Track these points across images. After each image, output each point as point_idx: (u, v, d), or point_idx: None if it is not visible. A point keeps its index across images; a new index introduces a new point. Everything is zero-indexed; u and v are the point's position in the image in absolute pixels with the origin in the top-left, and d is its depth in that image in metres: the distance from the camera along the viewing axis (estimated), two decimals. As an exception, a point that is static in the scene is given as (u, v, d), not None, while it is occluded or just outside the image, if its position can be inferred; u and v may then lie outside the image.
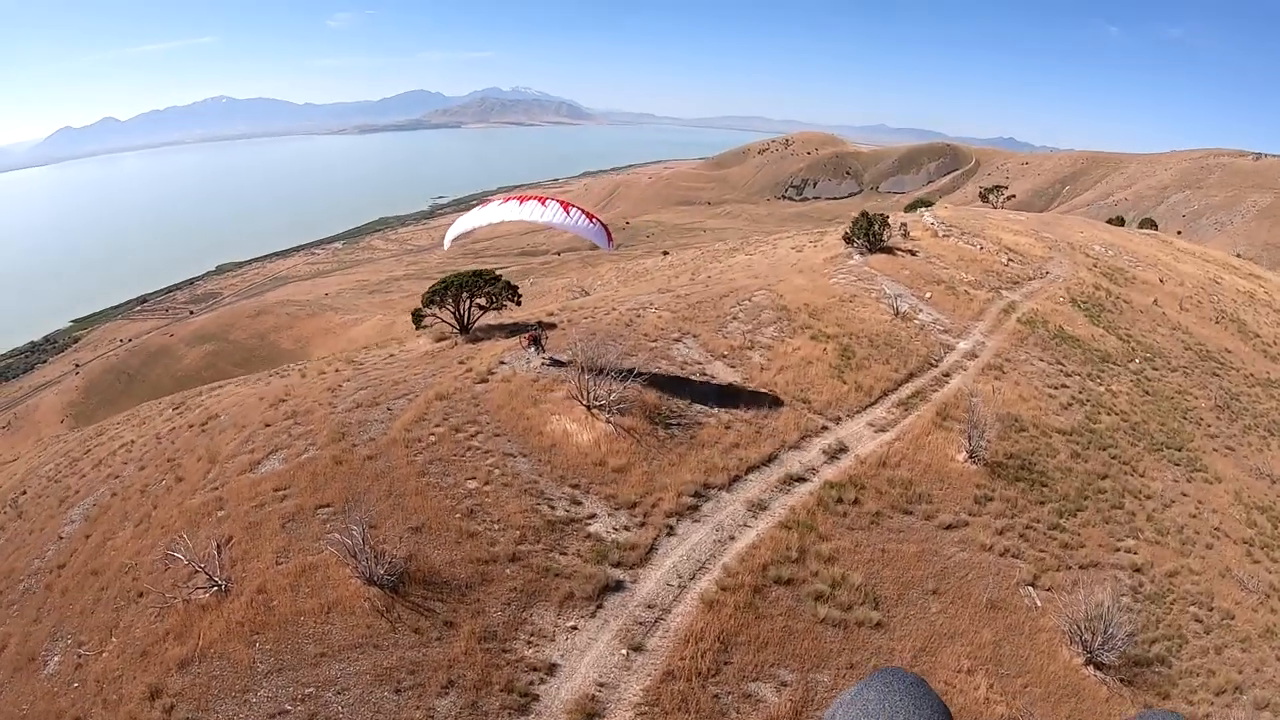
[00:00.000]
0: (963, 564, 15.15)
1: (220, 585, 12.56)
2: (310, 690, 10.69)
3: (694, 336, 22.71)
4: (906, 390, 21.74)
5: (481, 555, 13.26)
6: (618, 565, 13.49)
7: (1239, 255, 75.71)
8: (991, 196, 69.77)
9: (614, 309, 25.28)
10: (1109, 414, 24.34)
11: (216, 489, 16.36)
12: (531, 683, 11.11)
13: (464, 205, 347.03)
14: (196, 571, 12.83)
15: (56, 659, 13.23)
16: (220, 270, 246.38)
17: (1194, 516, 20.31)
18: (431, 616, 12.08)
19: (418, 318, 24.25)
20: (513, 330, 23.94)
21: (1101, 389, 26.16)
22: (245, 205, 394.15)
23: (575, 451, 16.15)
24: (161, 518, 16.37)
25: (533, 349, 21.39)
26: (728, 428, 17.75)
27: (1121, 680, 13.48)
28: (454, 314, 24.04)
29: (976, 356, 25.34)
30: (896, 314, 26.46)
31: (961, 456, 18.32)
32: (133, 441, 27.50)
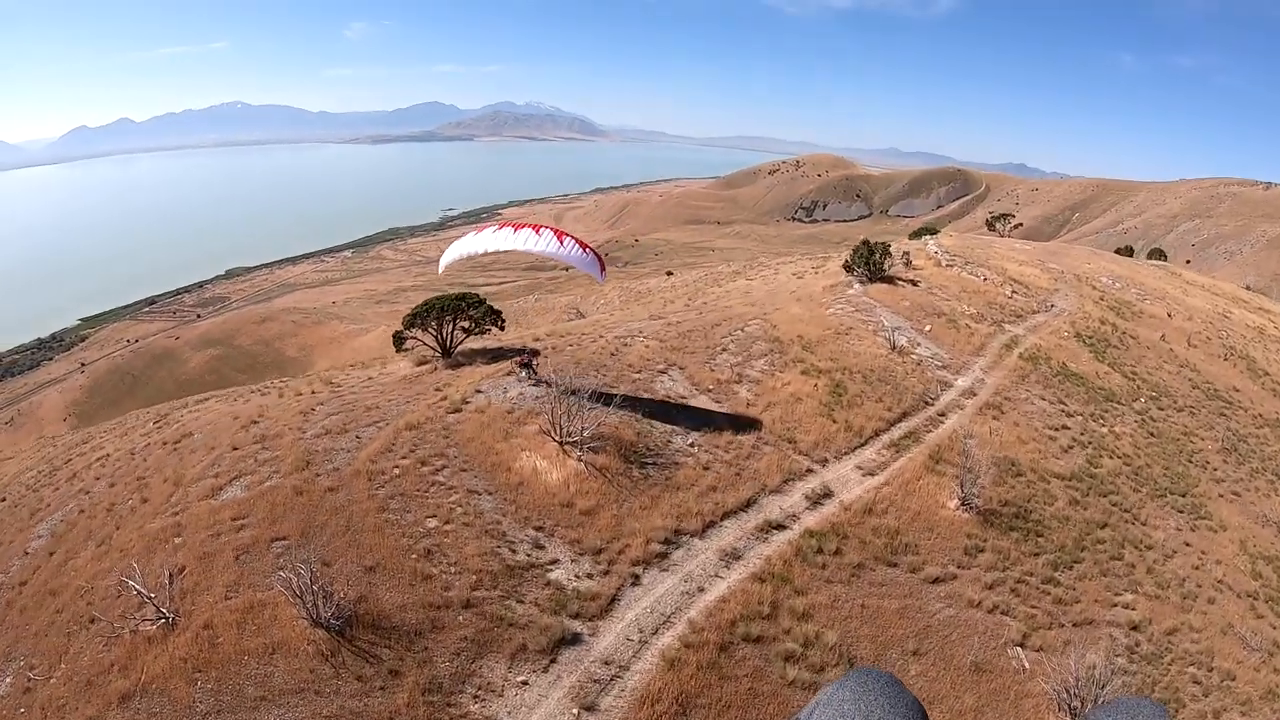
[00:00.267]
0: (948, 622, 14.28)
1: (168, 618, 12.09)
2: (248, 735, 10.06)
3: (680, 369, 21.98)
4: (899, 430, 20.87)
5: (435, 600, 12.64)
6: (576, 616, 12.75)
7: (1248, 287, 74.68)
8: (998, 224, 68.96)
9: (601, 336, 24.60)
10: (1111, 457, 23.43)
11: (177, 514, 15.84)
12: (474, 742, 10.36)
13: (474, 218, 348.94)
14: (145, 602, 12.37)
15: (9, 680, 12.74)
16: (230, 274, 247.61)
17: (1197, 568, 19.37)
18: (377, 664, 11.49)
19: (398, 340, 23.62)
20: (495, 355, 23.31)
21: (1104, 430, 25.26)
22: (257, 211, 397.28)
23: (543, 491, 15.42)
24: (122, 540, 15.90)
25: (524, 372, 21.06)
26: (706, 469, 16.96)
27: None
28: (435, 337, 23.40)
29: (975, 394, 24.48)
30: (893, 348, 25.65)
31: (953, 504, 17.47)
32: (108, 455, 27.13)
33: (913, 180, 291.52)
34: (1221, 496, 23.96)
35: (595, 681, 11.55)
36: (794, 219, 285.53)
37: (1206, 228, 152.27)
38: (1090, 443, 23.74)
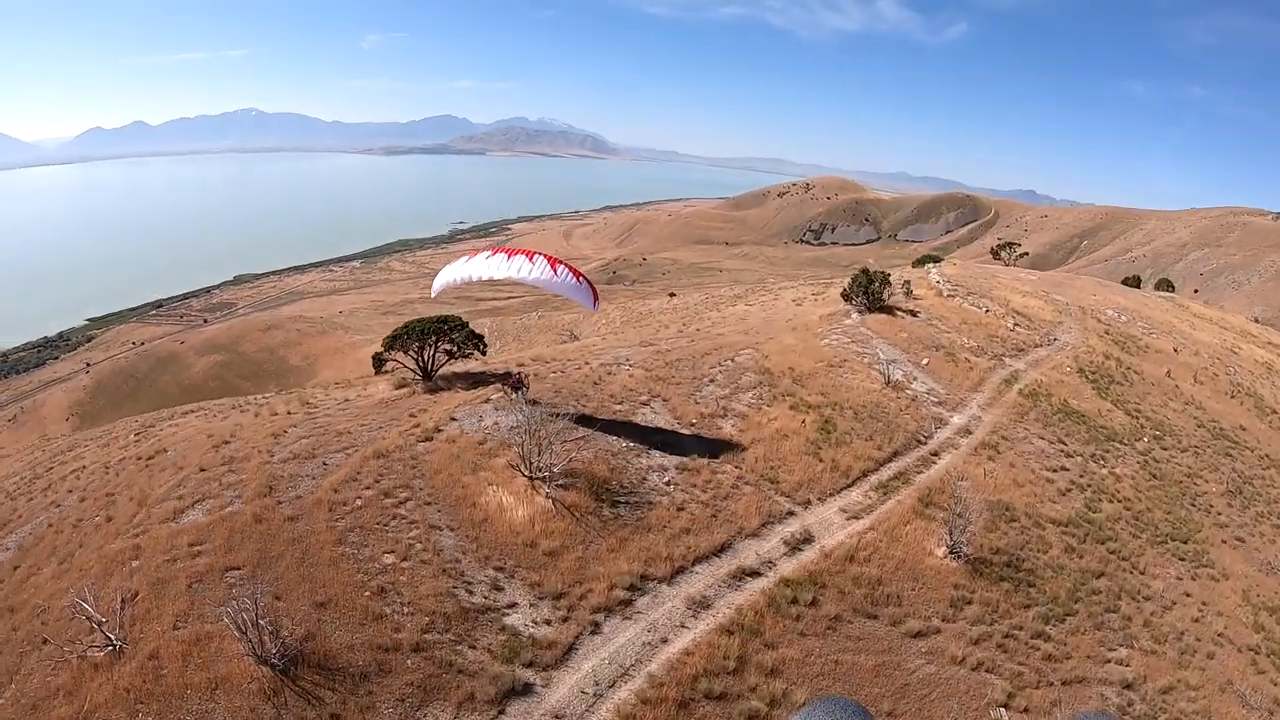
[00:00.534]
0: (927, 680, 13.46)
1: (115, 645, 11.78)
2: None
3: (664, 400, 21.32)
4: (889, 471, 20.08)
5: (384, 641, 12.11)
6: (530, 665, 12.09)
7: (1256, 319, 73.62)
8: (1004, 253, 68.20)
9: (587, 363, 23.98)
10: (1111, 501, 22.59)
11: (137, 535, 15.47)
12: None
13: (483, 232, 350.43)
14: (95, 629, 12.00)
15: (-42, 696, 12.29)
16: (238, 280, 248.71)
17: (1196, 621, 18.48)
18: (319, 707, 10.98)
19: (378, 362, 23.05)
20: (476, 380, 22.71)
21: (1105, 472, 24.42)
22: (267, 218, 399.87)
23: (507, 529, 14.76)
24: (82, 560, 15.53)
25: (515, 394, 20.80)
26: (681, 509, 16.24)
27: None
28: (416, 360, 22.83)
29: (971, 433, 23.69)
30: (887, 383, 24.91)
31: (941, 551, 16.66)
32: (84, 467, 26.73)
33: (922, 205, 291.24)
34: (1225, 542, 23.07)
35: (544, 738, 10.85)
36: (802, 241, 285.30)
37: (1215, 257, 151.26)
38: (1090, 485, 22.92)
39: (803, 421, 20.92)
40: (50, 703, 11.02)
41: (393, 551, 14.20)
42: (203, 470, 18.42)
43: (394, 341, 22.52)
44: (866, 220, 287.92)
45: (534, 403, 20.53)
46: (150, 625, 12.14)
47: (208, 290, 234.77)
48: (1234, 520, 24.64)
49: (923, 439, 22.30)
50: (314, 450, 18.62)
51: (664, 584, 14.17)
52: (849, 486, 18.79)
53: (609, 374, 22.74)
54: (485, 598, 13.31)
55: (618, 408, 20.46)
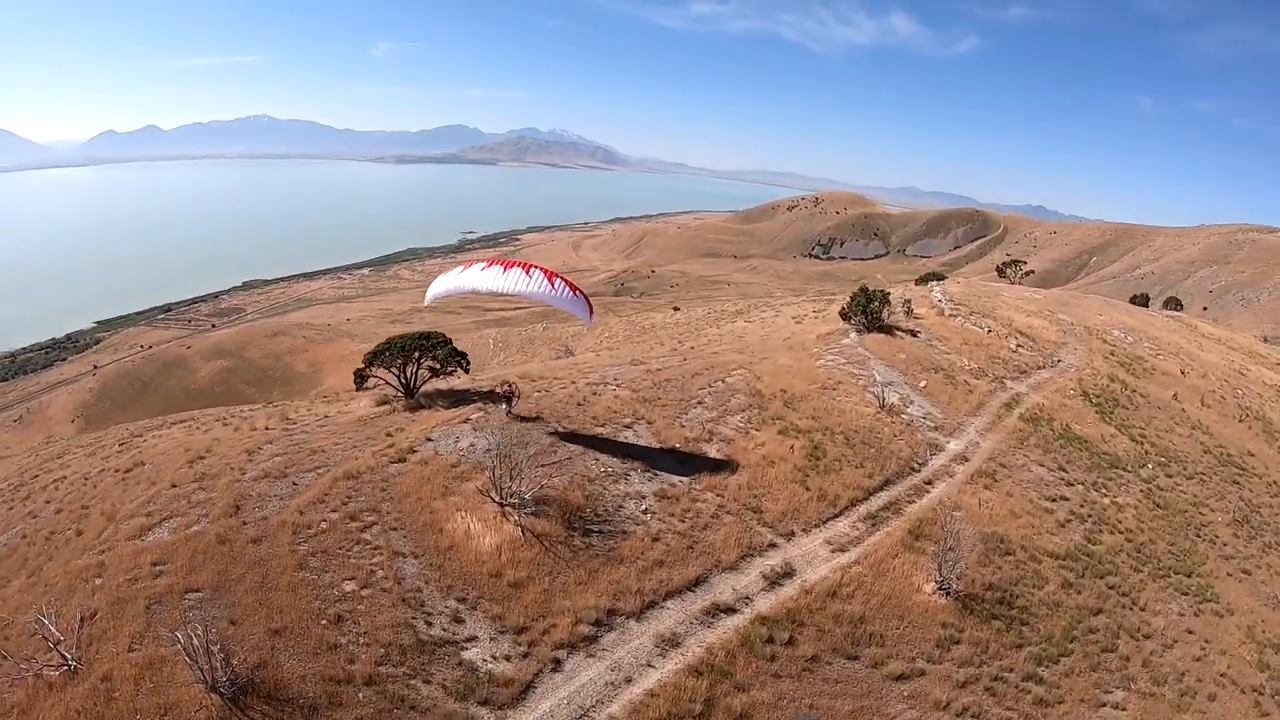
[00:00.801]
0: (910, 727, 12.78)
1: (70, 665, 11.64)
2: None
3: (648, 423, 20.68)
4: (879, 500, 19.32)
5: (336, 673, 11.71)
6: (485, 703, 11.56)
7: (1265, 338, 72.43)
8: (1009, 271, 67.34)
9: (573, 382, 23.40)
10: (1112, 532, 21.78)
11: (103, 552, 15.29)
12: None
13: (492, 242, 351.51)
14: (52, 647, 11.75)
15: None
16: (247, 286, 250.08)
17: (1198, 660, 17.67)
18: None
19: (360, 378, 22.55)
20: (459, 399, 22.18)
21: (1107, 501, 23.62)
22: (278, 223, 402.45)
23: (472, 557, 14.20)
24: (49, 574, 15.38)
25: (504, 406, 20.52)
26: (656, 540, 15.58)
27: None
28: (398, 377, 22.35)
29: (967, 460, 22.92)
30: (882, 406, 24.20)
31: (930, 587, 15.95)
32: (65, 477, 26.51)
33: (931, 220, 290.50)
34: (1230, 575, 22.23)
35: (493, 785, 10.26)
36: (811, 255, 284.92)
37: (1224, 274, 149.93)
38: (1090, 516, 22.13)
39: (791, 447, 20.22)
40: (3, 720, 10.88)
41: (354, 578, 13.79)
42: (174, 486, 18.15)
43: (375, 358, 22.02)
44: (875, 235, 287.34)
45: (521, 418, 20.34)
46: (106, 646, 11.94)
47: (217, 295, 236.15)
48: (1240, 551, 23.80)
49: (916, 466, 21.56)
50: (285, 469, 18.20)
51: (632, 620, 13.55)
52: (836, 517, 18.06)
53: (594, 394, 22.15)
54: (444, 630, 12.83)
55: (599, 430, 19.85)
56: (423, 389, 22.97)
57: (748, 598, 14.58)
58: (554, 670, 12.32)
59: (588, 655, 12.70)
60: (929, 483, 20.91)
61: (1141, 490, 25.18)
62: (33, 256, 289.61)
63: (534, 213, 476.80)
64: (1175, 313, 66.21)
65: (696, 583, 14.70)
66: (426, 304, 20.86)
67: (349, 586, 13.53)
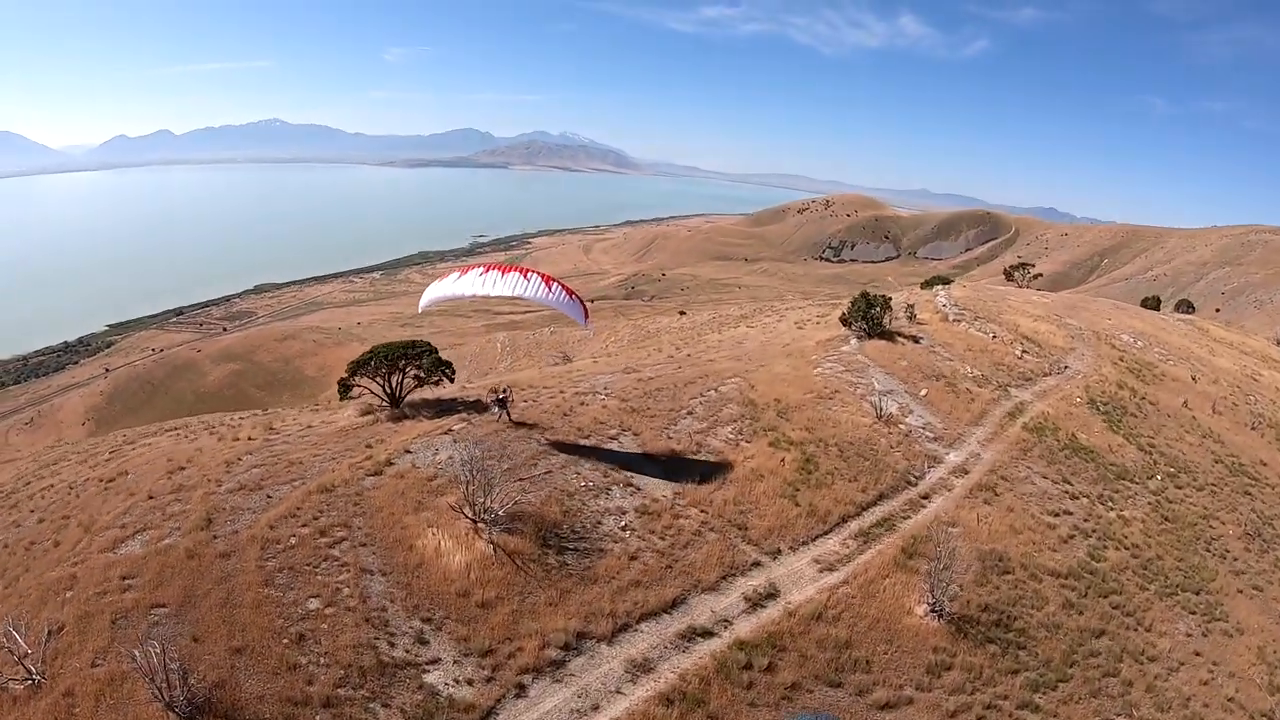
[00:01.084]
0: (896, 760, 12.14)
1: (35, 679, 11.60)
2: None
3: (634, 434, 20.10)
4: (872, 516, 18.60)
5: (295, 694, 11.47)
6: (444, 730, 11.07)
7: (1278, 342, 70.87)
8: (1017, 274, 66.21)
9: (562, 391, 22.85)
10: (1118, 548, 20.99)
11: (76, 565, 15.19)
12: None
13: (504, 245, 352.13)
14: (18, 662, 11.68)
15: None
16: (259, 290, 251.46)
17: (1205, 684, 16.92)
18: None
19: (344, 388, 22.15)
20: (445, 408, 21.72)
21: (1112, 515, 22.81)
22: (290, 227, 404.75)
23: (441, 576, 13.72)
24: (24, 585, 15.30)
25: (498, 410, 20.25)
26: (634, 558, 15.00)
27: None
28: (383, 387, 21.93)
29: (967, 473, 22.16)
30: (879, 416, 23.49)
31: (921, 609, 15.28)
32: (52, 485, 26.38)
33: (942, 222, 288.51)
34: (1241, 592, 21.39)
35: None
36: (822, 258, 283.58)
37: (1236, 276, 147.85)
38: (1095, 531, 21.35)
39: (782, 460, 19.55)
40: (-37, 735, 10.79)
41: (318, 596, 13.48)
42: (151, 498, 17.95)
43: (360, 367, 21.62)
44: (886, 237, 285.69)
45: (518, 423, 20.04)
46: (70, 660, 11.83)
47: (228, 299, 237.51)
48: (1251, 566, 22.94)
49: (913, 479, 20.84)
50: (262, 481, 17.88)
51: (603, 643, 13.03)
52: (826, 534, 17.39)
53: (582, 404, 21.59)
54: (407, 651, 12.44)
55: (584, 442, 19.29)
56: (409, 398, 22.57)
57: (727, 620, 13.99)
58: (518, 696, 11.87)
59: (554, 680, 12.23)
60: (926, 497, 20.20)
61: (1149, 503, 24.36)
62: (45, 260, 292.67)
63: (545, 216, 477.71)
64: (1186, 316, 64.95)
65: (674, 604, 14.14)
66: (420, 310, 20.58)
67: (313, 605, 13.23)
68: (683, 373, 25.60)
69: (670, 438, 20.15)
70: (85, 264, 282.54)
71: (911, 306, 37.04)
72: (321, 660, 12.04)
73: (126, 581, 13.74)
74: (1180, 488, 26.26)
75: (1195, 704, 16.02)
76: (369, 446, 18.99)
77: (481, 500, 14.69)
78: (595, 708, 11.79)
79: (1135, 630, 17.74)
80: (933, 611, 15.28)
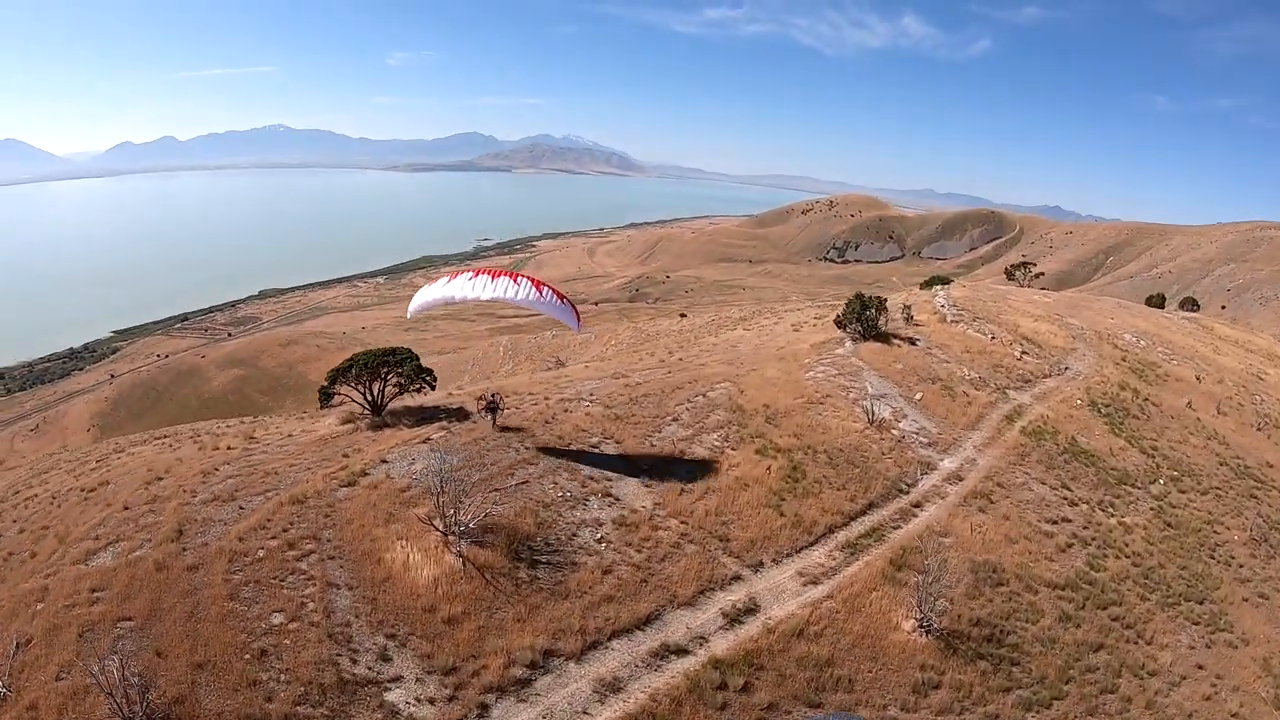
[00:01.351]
0: (878, 786, 11.61)
1: (1, 691, 11.54)
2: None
3: (616, 442, 19.59)
4: (860, 526, 18.01)
5: (253, 711, 11.23)
6: (403, 750, 10.67)
7: (1284, 338, 70.00)
8: (1018, 274, 65.34)
9: (546, 397, 22.39)
10: (1118, 557, 20.36)
11: (48, 576, 15.04)
12: None
13: (508, 249, 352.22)
14: None
15: None
16: (263, 295, 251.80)
17: (1208, 699, 16.30)
18: None
19: (325, 396, 21.77)
20: (427, 416, 21.28)
21: (1113, 522, 22.19)
22: (295, 232, 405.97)
23: (408, 590, 13.30)
24: None
25: (489, 415, 20.04)
26: (607, 572, 14.49)
27: None
28: (364, 395, 21.55)
29: (962, 479, 21.57)
30: (871, 421, 22.92)
31: (909, 625, 14.73)
32: (35, 495, 26.10)
33: (946, 222, 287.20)
34: (1246, 600, 20.76)
35: None
36: (826, 259, 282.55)
37: (1242, 273, 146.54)
38: (1094, 539, 20.73)
39: (768, 468, 19.00)
40: (-73, 748, 10.57)
41: (283, 610, 13.16)
42: (126, 509, 17.70)
43: (341, 375, 21.21)
44: (890, 238, 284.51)
45: (508, 429, 19.80)
46: (36, 673, 11.73)
47: (233, 304, 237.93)
48: (1257, 573, 22.29)
49: (905, 487, 20.25)
50: (235, 492, 17.56)
51: (572, 661, 12.56)
52: (811, 545, 16.80)
53: (565, 411, 21.11)
54: (369, 668, 12.06)
55: (564, 451, 18.77)
56: (392, 406, 22.16)
57: (703, 638, 13.47)
58: (480, 716, 11.45)
59: (518, 700, 11.79)
60: (918, 505, 19.62)
61: (1152, 508, 23.75)
62: (51, 267, 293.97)
63: (549, 219, 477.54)
64: (1191, 314, 64.08)
65: (648, 620, 13.63)
66: (410, 315, 20.37)
67: (277, 619, 12.95)
68: (672, 378, 25.11)
69: (653, 446, 19.64)
70: (90, 271, 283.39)
71: (908, 307, 36.46)
72: (282, 677, 11.76)
73: (95, 594, 13.61)
74: (1184, 492, 25.64)
75: (1198, 720, 15.46)
76: (346, 456, 18.59)
77: (452, 513, 14.23)
78: (560, 730, 11.29)
79: (1135, 643, 17.14)
80: (921, 627, 14.73)
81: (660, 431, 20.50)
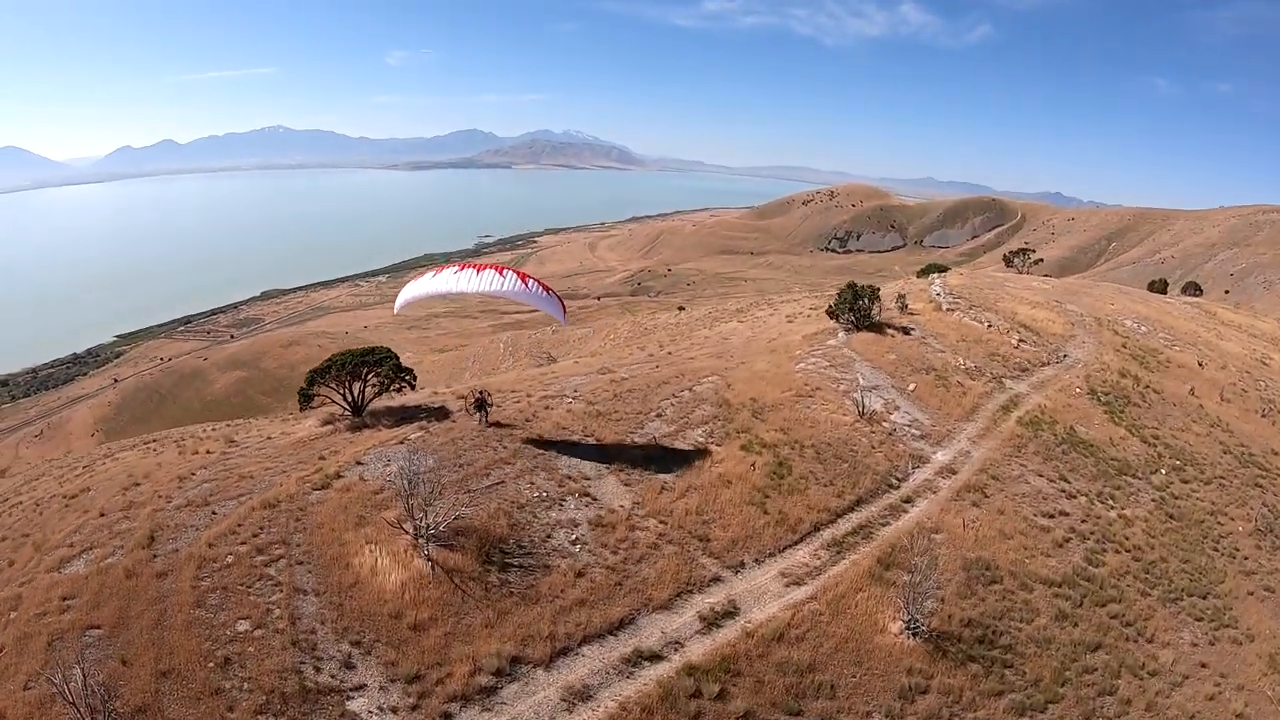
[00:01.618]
0: (860, 798, 11.13)
1: None
2: None
3: (597, 440, 19.11)
4: (847, 524, 17.48)
5: None
6: (363, 760, 10.34)
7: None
8: (1017, 260, 64.44)
9: (529, 395, 21.93)
10: (1118, 551, 19.78)
11: (23, 584, 14.82)
12: None
13: (509, 245, 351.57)
14: None
15: None
16: (265, 296, 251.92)
17: (1211, 699, 15.77)
18: None
19: (305, 398, 21.37)
20: (406, 416, 20.86)
21: (1112, 514, 21.60)
22: (296, 233, 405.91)
23: (375, 596, 12.95)
24: None
25: (478, 414, 19.80)
26: (580, 575, 14.05)
27: None
28: (344, 395, 21.14)
29: (955, 473, 21.02)
30: (861, 414, 22.40)
31: (896, 627, 14.22)
32: (20, 502, 25.86)
33: (947, 210, 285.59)
34: (1251, 594, 20.17)
35: None
36: (828, 250, 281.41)
37: (1245, 256, 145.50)
38: (1093, 533, 20.15)
39: (752, 464, 18.49)
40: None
41: (248, 617, 12.92)
42: (102, 515, 17.59)
43: (320, 375, 20.81)
44: (892, 227, 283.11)
45: (498, 424, 19.59)
46: (5, 682, 11.74)
47: (236, 306, 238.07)
48: (1263, 566, 21.68)
49: (895, 482, 19.73)
50: (209, 497, 17.27)
51: (540, 669, 12.16)
52: (796, 544, 16.29)
53: (547, 408, 20.64)
54: (332, 677, 11.77)
55: (542, 449, 18.30)
56: (372, 406, 21.75)
57: (678, 643, 13.02)
58: (443, 725, 11.00)
59: (483, 709, 11.43)
60: (908, 501, 19.10)
61: (1153, 500, 23.17)
62: (52, 273, 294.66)
63: (550, 214, 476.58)
64: (1193, 299, 63.25)
65: (621, 625, 13.19)
66: (396, 312, 20.08)
67: (242, 626, 12.73)
68: (659, 372, 24.61)
69: (635, 443, 19.17)
70: (92, 276, 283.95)
71: (903, 296, 35.87)
72: (245, 685, 11.59)
73: (66, 602, 13.51)
74: (1186, 482, 25.06)
75: (1200, 721, 14.94)
76: (321, 458, 18.21)
77: (422, 515, 13.81)
78: (526, 739, 10.88)
79: (1135, 642, 16.61)
80: (909, 629, 14.23)
81: (643, 428, 20.03)
